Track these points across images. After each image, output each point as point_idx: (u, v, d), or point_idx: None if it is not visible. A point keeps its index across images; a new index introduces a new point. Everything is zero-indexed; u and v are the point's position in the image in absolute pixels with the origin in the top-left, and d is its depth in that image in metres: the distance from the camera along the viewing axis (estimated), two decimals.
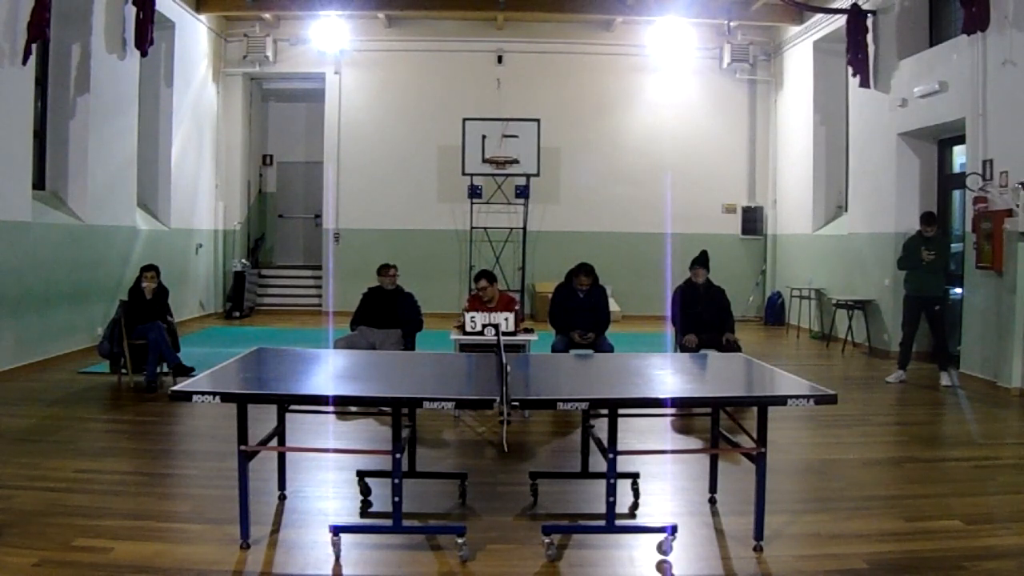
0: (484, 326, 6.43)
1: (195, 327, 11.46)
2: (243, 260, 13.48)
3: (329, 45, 13.11)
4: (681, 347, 7.08)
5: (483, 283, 6.93)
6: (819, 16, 11.47)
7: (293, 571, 3.53)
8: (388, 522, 3.79)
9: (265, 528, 3.96)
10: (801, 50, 12.59)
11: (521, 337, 6.42)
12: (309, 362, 4.64)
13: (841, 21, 10.57)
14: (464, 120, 12.56)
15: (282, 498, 4.37)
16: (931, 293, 8.02)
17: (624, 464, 4.01)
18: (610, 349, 6.72)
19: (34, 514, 4.03)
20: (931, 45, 9.39)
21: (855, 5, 10.15)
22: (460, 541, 3.63)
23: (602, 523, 3.88)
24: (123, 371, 7.33)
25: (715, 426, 4.36)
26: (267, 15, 12.80)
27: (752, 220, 13.87)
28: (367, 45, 13.49)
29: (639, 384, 4.40)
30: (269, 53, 13.18)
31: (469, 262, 13.06)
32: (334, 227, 13.55)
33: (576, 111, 13.58)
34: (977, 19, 7.82)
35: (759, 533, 3.74)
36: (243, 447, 3.69)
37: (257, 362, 4.42)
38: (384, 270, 7.39)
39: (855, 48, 10.19)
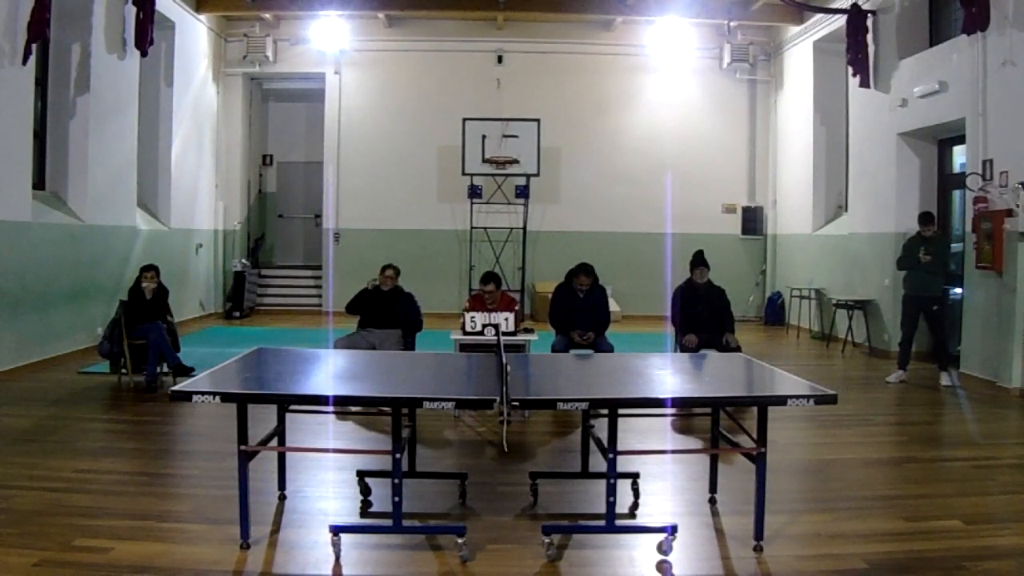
0: (484, 326, 6.43)
1: (195, 327, 11.46)
2: (243, 260, 13.48)
3: (329, 45, 13.12)
4: (681, 347, 7.07)
5: (491, 287, 6.93)
6: (819, 16, 11.47)
7: (293, 571, 3.53)
8: (388, 522, 3.78)
9: (265, 528, 3.96)
10: (801, 50, 12.59)
11: (521, 337, 6.42)
12: (309, 362, 4.64)
13: (841, 21, 10.57)
14: (464, 120, 12.56)
15: (282, 498, 4.37)
16: (930, 293, 8.03)
17: (624, 464, 4.01)
18: (610, 349, 6.71)
19: (34, 514, 4.03)
20: (931, 45, 9.39)
21: (855, 5, 10.15)
22: (460, 541, 3.63)
23: (602, 523, 3.88)
24: (123, 371, 7.33)
25: (715, 426, 4.35)
26: (267, 15, 12.80)
27: (752, 220, 13.87)
28: (367, 45, 13.49)
29: (639, 384, 4.40)
30: (269, 53, 13.18)
31: (469, 262, 13.07)
32: (334, 227, 13.55)
33: (576, 111, 13.58)
34: (977, 19, 7.82)
35: (759, 533, 3.74)
36: (243, 447, 3.69)
37: (257, 362, 4.43)
38: (381, 271, 7.38)
39: (855, 48, 10.19)
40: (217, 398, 3.54)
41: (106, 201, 9.44)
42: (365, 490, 4.40)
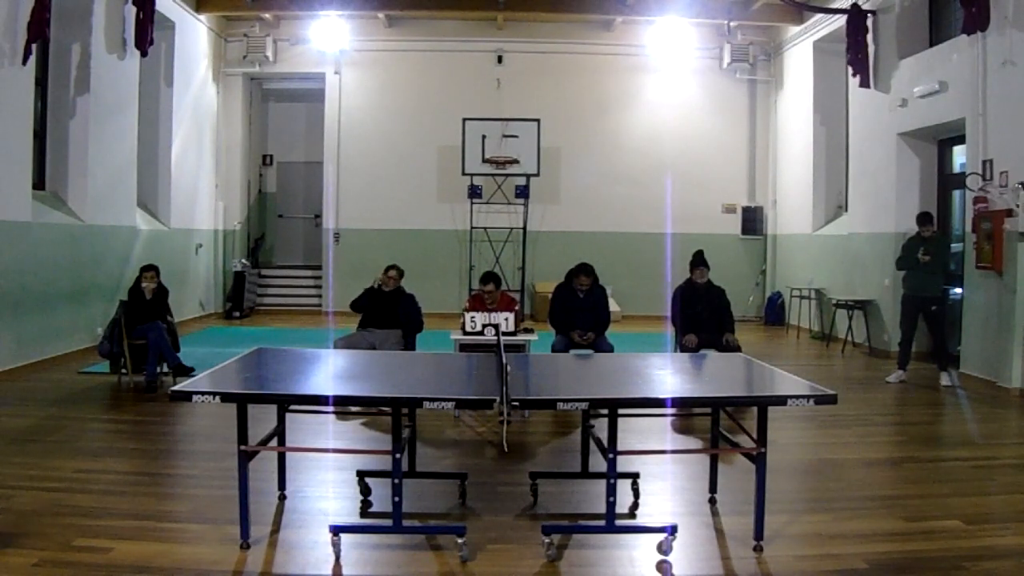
0: (484, 326, 6.43)
1: (195, 327, 11.46)
2: (243, 260, 13.47)
3: (329, 45, 13.12)
4: (681, 347, 7.08)
5: (491, 287, 6.94)
6: (819, 16, 11.47)
7: (293, 571, 3.53)
8: (388, 522, 3.79)
9: (265, 528, 3.96)
10: (801, 50, 12.59)
11: (521, 337, 6.42)
12: (309, 362, 4.64)
13: (841, 21, 10.57)
14: (464, 120, 12.56)
15: (282, 498, 4.37)
16: (929, 293, 8.03)
17: (624, 464, 4.00)
18: (610, 349, 6.71)
19: (34, 514, 4.03)
20: (931, 45, 9.39)
21: (855, 5, 10.15)
22: (460, 541, 3.63)
23: (602, 523, 3.88)
24: (123, 371, 7.33)
25: (715, 426, 4.36)
26: (267, 15, 12.80)
27: (752, 220, 13.87)
28: (367, 45, 13.49)
29: (639, 384, 4.40)
30: (269, 53, 13.18)
31: (469, 262, 13.07)
32: (334, 227, 13.55)
33: (576, 111, 13.58)
34: (977, 19, 7.82)
35: (759, 533, 3.74)
36: (243, 447, 3.69)
37: (257, 362, 4.42)
38: (384, 271, 7.38)
39: (855, 48, 10.19)
40: (217, 398, 3.54)
41: (106, 201, 9.44)
42: (365, 490, 4.40)
